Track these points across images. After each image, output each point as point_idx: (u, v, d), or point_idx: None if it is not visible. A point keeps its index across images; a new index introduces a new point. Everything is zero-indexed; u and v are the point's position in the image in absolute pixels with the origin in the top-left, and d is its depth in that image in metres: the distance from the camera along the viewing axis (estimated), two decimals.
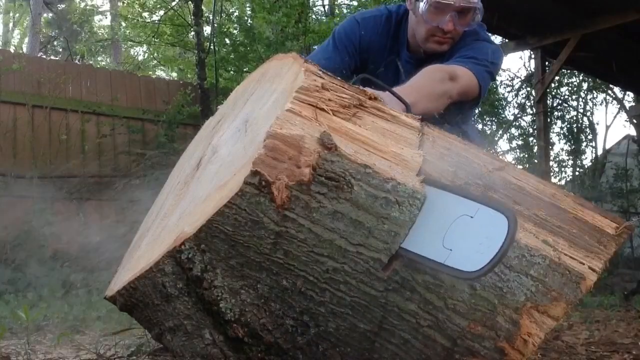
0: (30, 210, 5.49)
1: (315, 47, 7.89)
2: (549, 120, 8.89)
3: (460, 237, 1.04)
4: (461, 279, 1.08)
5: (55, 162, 6.00)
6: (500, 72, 11.16)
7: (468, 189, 1.13)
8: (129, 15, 10.41)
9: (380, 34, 2.04)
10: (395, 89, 1.46)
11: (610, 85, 11.24)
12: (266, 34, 7.69)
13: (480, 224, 1.03)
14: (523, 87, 11.23)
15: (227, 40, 8.21)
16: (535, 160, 8.33)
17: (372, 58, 2.04)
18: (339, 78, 1.23)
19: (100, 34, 17.15)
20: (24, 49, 15.62)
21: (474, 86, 1.82)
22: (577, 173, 11.15)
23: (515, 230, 0.99)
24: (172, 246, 1.13)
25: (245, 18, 8.60)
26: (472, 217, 1.04)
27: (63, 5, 16.46)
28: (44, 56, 13.67)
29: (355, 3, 10.37)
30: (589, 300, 3.99)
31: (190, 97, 6.94)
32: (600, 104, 13.19)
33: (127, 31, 12.33)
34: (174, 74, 12.52)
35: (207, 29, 8.49)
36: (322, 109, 1.13)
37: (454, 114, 1.79)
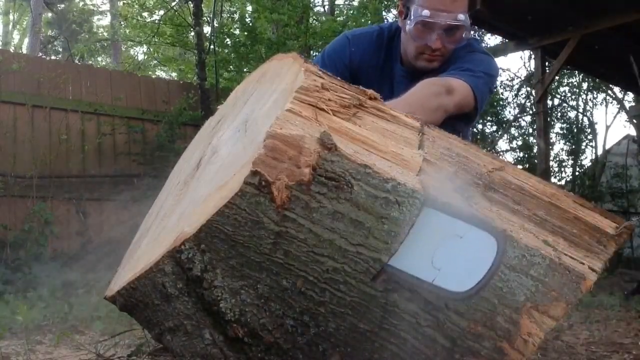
0: (30, 210, 5.49)
1: (315, 47, 7.91)
2: (549, 120, 8.89)
3: (449, 257, 1.05)
4: (449, 299, 1.09)
5: (55, 162, 6.00)
6: (500, 72, 11.18)
7: (459, 208, 1.12)
8: (128, 15, 10.41)
9: (372, 50, 2.05)
10: (389, 102, 1.45)
11: (610, 85, 11.24)
12: (267, 35, 7.70)
13: (470, 244, 1.04)
14: (523, 87, 11.24)
15: (228, 41, 8.22)
16: (535, 160, 8.34)
17: (365, 74, 2.04)
18: (338, 78, 1.23)
19: (100, 33, 17.15)
20: (24, 49, 15.62)
21: (470, 99, 1.82)
22: (577, 173, 11.15)
23: (505, 253, 1.00)
24: (172, 246, 1.13)
25: (247, 18, 8.60)
26: (461, 237, 1.05)
27: (63, 5, 16.47)
28: (44, 56, 13.66)
29: (355, 3, 10.38)
30: (589, 300, 3.99)
31: (192, 100, 6.94)
32: (600, 104, 13.21)
33: (127, 31, 12.33)
34: (174, 74, 12.52)
35: (207, 29, 8.50)
36: (322, 109, 1.13)
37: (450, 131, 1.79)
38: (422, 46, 1.90)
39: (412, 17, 1.85)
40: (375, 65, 2.04)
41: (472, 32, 1.94)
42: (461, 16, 1.83)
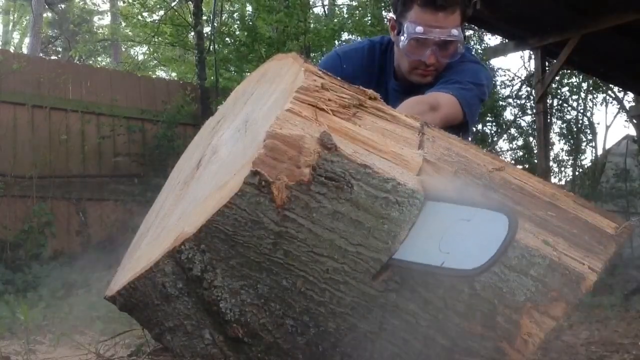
0: (30, 210, 5.49)
1: (314, 47, 7.91)
2: (549, 120, 8.89)
3: (457, 240, 1.03)
4: (461, 277, 1.07)
5: (55, 162, 5.99)
6: (500, 72, 11.19)
7: (463, 197, 1.12)
8: (129, 15, 10.41)
9: (364, 65, 2.03)
10: None
11: (610, 85, 11.24)
12: (267, 34, 7.69)
13: (479, 225, 1.02)
14: (523, 87, 11.25)
15: (228, 40, 8.22)
16: (535, 160, 8.34)
17: None
18: (338, 78, 1.23)
19: (100, 34, 17.14)
20: (24, 49, 15.62)
21: (457, 112, 1.81)
22: (577, 173, 11.15)
23: (517, 226, 0.98)
24: (172, 246, 1.13)
25: (247, 18, 8.60)
26: (469, 220, 1.03)
27: (64, 5, 16.47)
28: (45, 56, 13.66)
29: (355, 3, 10.39)
30: (589, 300, 3.99)
31: (189, 97, 6.94)
32: (601, 104, 13.21)
33: (127, 31, 12.32)
34: (174, 74, 12.52)
35: (207, 29, 8.50)
36: (322, 109, 1.13)
37: None
38: (415, 61, 1.89)
39: (405, 34, 1.84)
40: (368, 81, 2.02)
41: (467, 39, 1.94)
42: (454, 31, 1.82)
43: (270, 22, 7.56)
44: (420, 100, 1.75)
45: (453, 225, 1.04)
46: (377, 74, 2.03)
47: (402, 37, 1.86)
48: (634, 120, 11.12)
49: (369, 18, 8.35)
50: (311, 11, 9.48)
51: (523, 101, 11.16)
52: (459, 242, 1.03)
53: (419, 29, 1.81)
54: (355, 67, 2.02)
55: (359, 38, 8.27)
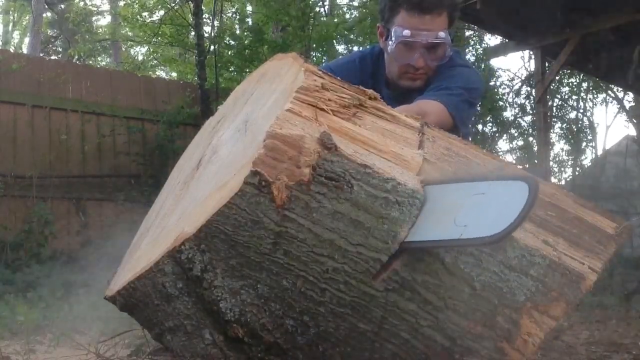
0: (30, 210, 5.49)
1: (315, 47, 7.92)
2: (549, 120, 8.90)
3: (474, 212, 1.01)
4: (483, 245, 1.04)
5: (55, 162, 5.99)
6: (500, 72, 11.20)
7: (475, 176, 1.10)
8: (128, 15, 10.40)
9: (357, 77, 2.02)
10: None
11: (610, 85, 11.25)
12: (271, 37, 7.70)
13: (495, 196, 0.99)
14: (523, 87, 11.25)
15: (231, 41, 8.22)
16: (535, 161, 8.34)
17: None
18: (338, 78, 1.23)
19: (100, 34, 17.15)
20: (24, 49, 15.62)
21: (444, 119, 1.80)
22: (577, 173, 11.16)
23: (538, 189, 0.95)
24: (172, 246, 1.13)
25: (247, 18, 8.60)
26: (484, 194, 1.01)
27: (64, 5, 16.47)
28: (45, 56, 13.66)
29: (355, 3, 10.39)
30: (589, 300, 3.99)
31: (190, 99, 6.94)
32: (601, 104, 13.22)
33: (127, 31, 12.32)
34: (174, 74, 12.52)
35: (207, 29, 8.49)
36: (322, 109, 1.13)
37: None
38: (404, 66, 1.90)
39: (393, 38, 1.86)
40: None
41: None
42: (442, 34, 1.83)
43: (269, 18, 7.55)
44: (404, 110, 1.76)
45: (468, 200, 1.02)
46: (370, 83, 2.04)
47: (390, 42, 1.88)
48: (634, 120, 11.13)
49: (369, 19, 8.36)
50: (316, 13, 9.48)
51: (523, 101, 11.17)
52: (476, 213, 1.00)
53: (406, 32, 1.82)
54: (348, 79, 2.02)
55: (359, 39, 8.28)
